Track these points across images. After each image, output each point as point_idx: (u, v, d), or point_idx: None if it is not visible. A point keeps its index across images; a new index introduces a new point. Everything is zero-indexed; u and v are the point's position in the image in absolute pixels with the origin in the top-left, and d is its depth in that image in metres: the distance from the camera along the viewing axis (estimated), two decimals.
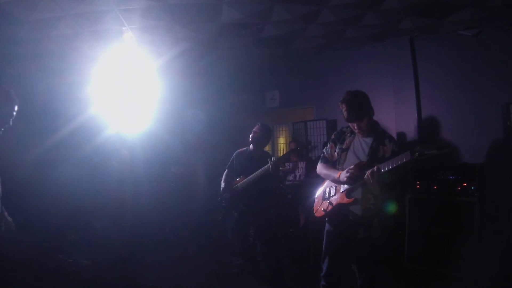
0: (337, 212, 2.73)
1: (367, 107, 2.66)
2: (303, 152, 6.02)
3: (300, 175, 5.77)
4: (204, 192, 5.96)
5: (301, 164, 5.74)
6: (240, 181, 4.06)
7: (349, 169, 2.58)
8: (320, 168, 2.93)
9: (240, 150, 4.30)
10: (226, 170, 4.28)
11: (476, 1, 4.17)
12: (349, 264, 2.84)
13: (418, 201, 4.09)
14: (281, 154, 6.76)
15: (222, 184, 4.21)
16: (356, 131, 2.72)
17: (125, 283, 4.14)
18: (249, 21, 4.73)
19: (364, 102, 2.66)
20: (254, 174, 3.91)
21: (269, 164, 3.76)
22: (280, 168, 4.02)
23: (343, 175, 2.61)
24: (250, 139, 4.12)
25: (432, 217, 3.95)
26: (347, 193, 2.67)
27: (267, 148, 5.97)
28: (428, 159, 2.25)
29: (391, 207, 2.64)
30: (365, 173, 2.48)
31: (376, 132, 2.71)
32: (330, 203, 2.76)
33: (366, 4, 4.31)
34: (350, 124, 2.73)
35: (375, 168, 2.44)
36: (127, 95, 5.50)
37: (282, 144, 7.07)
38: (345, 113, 2.65)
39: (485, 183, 3.97)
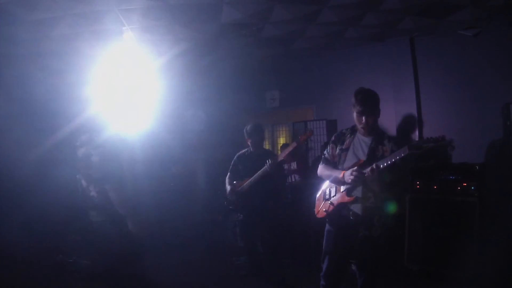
0: (338, 212, 2.73)
1: (379, 106, 2.70)
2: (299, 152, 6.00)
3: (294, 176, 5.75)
4: (204, 192, 5.96)
5: (293, 165, 5.73)
6: (244, 183, 4.05)
7: (353, 170, 2.57)
8: (321, 170, 2.91)
9: (240, 152, 4.30)
10: (229, 174, 4.27)
11: (476, 1, 4.17)
12: (349, 264, 2.83)
13: (418, 201, 4.09)
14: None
15: (228, 187, 4.21)
16: (361, 126, 2.69)
17: (125, 283, 4.14)
18: (249, 21, 4.73)
19: (378, 100, 2.70)
20: (255, 175, 3.91)
21: (266, 166, 3.76)
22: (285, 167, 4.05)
23: (347, 175, 2.60)
24: (248, 144, 4.15)
25: (432, 217, 3.95)
26: (348, 192, 2.67)
27: (267, 146, 5.96)
28: (427, 152, 2.26)
29: (391, 207, 2.64)
30: (366, 172, 2.48)
31: (376, 132, 2.71)
32: (331, 203, 2.76)
33: (366, 4, 4.31)
34: (358, 118, 2.69)
35: (374, 166, 2.45)
36: (127, 95, 5.50)
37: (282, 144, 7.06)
38: (358, 106, 2.63)
39: (485, 183, 3.96)
